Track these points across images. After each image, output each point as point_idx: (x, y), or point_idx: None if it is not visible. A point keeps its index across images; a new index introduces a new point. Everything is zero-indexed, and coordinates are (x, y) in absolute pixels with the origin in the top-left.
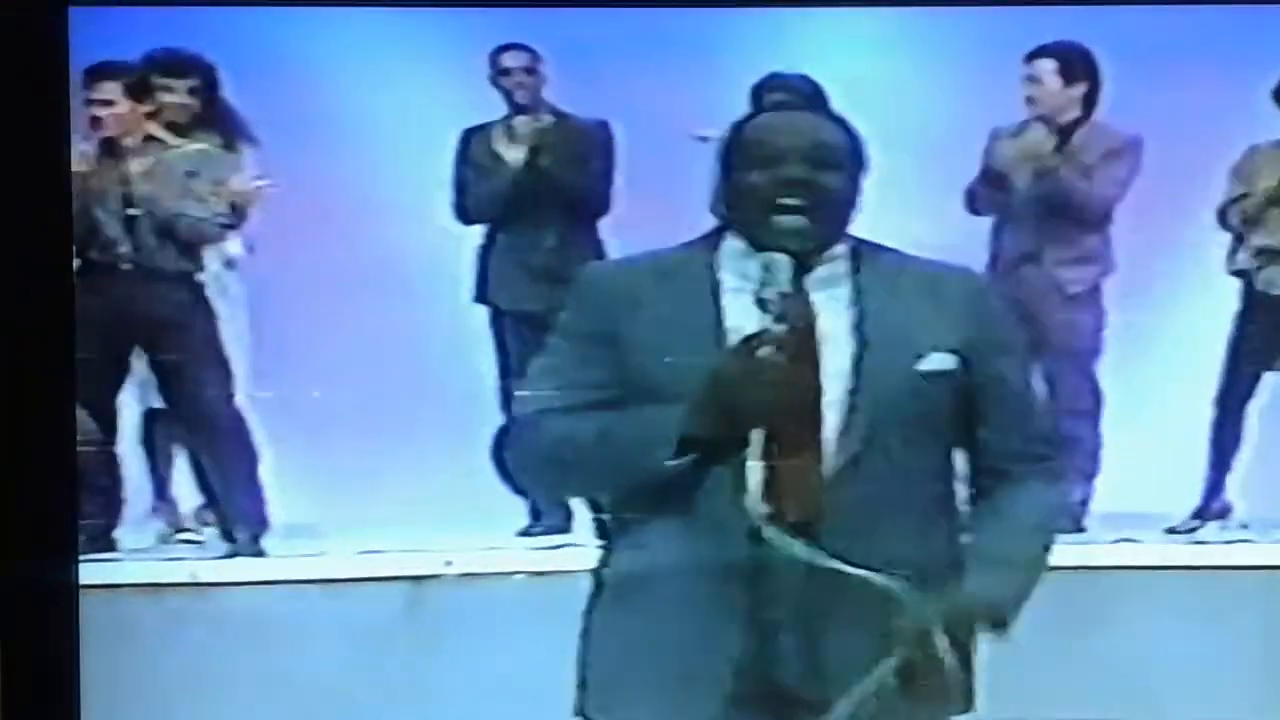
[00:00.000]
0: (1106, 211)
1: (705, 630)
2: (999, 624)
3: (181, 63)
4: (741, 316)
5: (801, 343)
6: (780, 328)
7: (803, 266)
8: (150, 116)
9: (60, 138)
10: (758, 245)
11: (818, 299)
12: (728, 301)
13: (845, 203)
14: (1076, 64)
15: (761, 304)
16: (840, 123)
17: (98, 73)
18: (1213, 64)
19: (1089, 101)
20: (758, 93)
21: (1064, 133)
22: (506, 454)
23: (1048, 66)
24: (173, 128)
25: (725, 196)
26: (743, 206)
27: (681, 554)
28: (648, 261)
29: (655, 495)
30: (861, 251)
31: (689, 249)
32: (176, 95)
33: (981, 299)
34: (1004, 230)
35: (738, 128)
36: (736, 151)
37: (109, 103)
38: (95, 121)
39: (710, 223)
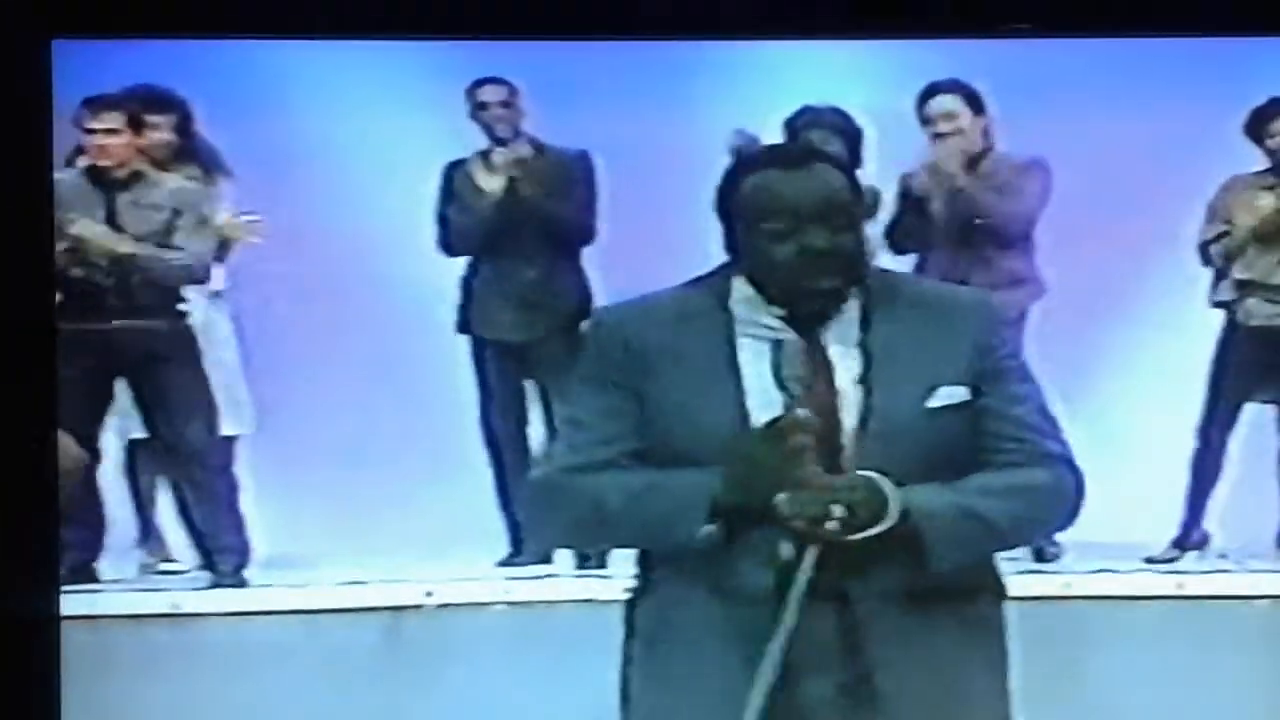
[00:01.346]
0: (1024, 229)
1: (740, 677)
2: (919, 550)
3: (163, 98)
4: (758, 375)
5: (825, 414)
6: (804, 414)
7: (816, 321)
8: (139, 150)
9: (43, 168)
10: (773, 301)
11: (832, 354)
12: (744, 358)
13: (861, 257)
14: (974, 96)
15: (783, 387)
16: (840, 169)
17: (98, 102)
18: (1188, 97)
19: (987, 133)
20: (791, 126)
21: (971, 163)
22: (533, 513)
23: (956, 103)
24: (154, 162)
25: (733, 248)
26: (762, 269)
27: (711, 605)
28: (661, 306)
29: (684, 560)
30: (872, 290)
31: (699, 290)
32: (161, 131)
33: (992, 325)
34: (926, 264)
35: (737, 180)
36: (743, 209)
37: (109, 132)
38: (90, 151)
39: (693, 252)
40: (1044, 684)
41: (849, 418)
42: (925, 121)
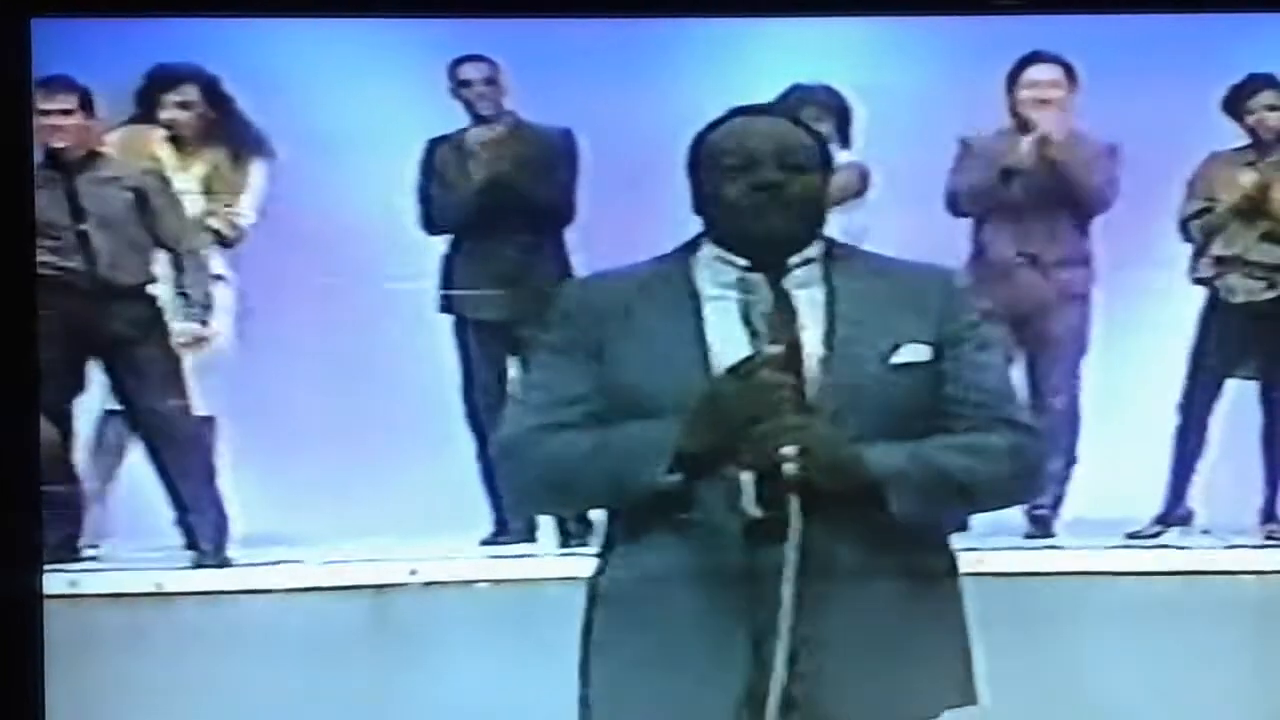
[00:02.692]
0: (1101, 209)
1: (706, 641)
2: (881, 497)
3: (187, 74)
4: (722, 326)
5: (790, 355)
6: (774, 349)
7: (779, 270)
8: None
9: (22, 149)
10: (736, 251)
11: (797, 299)
12: (708, 311)
13: (816, 205)
14: (1071, 70)
15: (749, 324)
16: (803, 126)
17: (52, 84)
18: (1168, 73)
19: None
20: (781, 103)
21: (1045, 143)
22: (500, 474)
23: (1055, 73)
24: (180, 142)
25: (698, 205)
26: (719, 213)
27: (678, 566)
28: (627, 276)
29: (650, 509)
30: (835, 252)
31: (666, 261)
32: (193, 110)
33: (956, 294)
34: (993, 231)
35: (703, 135)
36: (706, 159)
37: (64, 113)
38: (46, 132)
39: (677, 231)
40: (1027, 659)
41: (812, 370)
42: (1023, 86)
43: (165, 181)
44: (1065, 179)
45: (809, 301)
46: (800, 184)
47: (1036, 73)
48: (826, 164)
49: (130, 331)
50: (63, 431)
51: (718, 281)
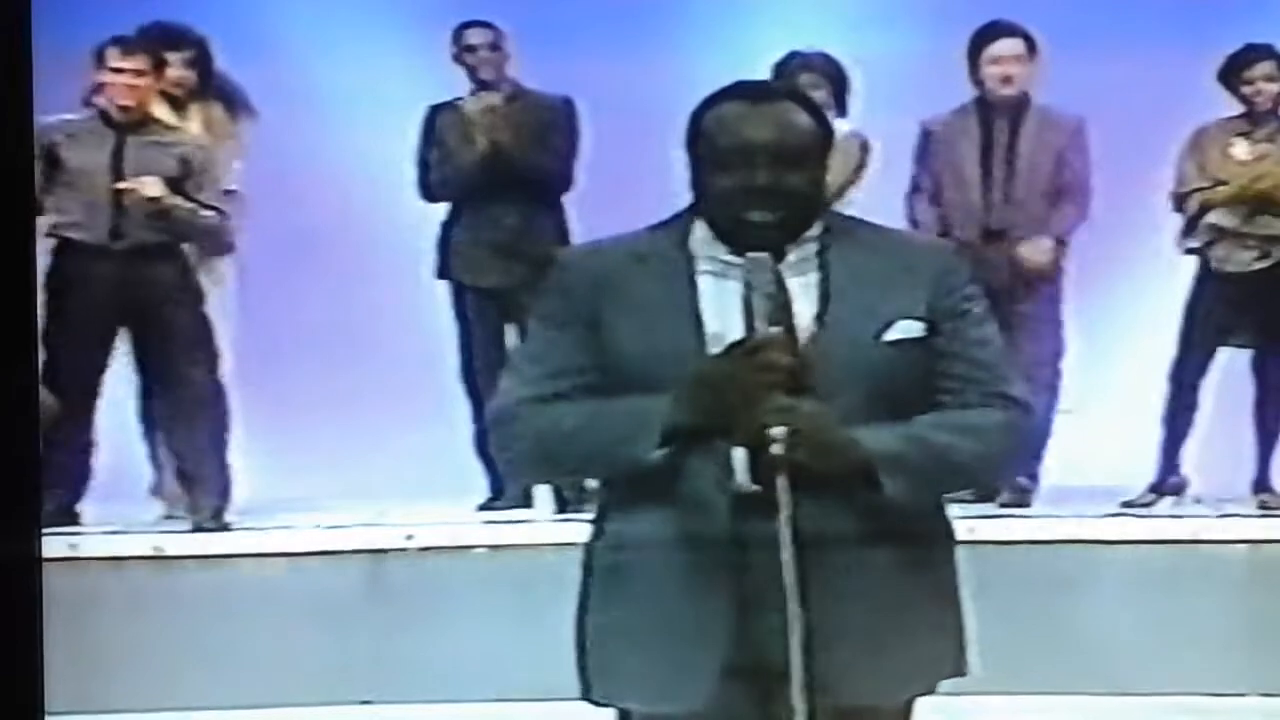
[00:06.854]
0: (1053, 180)
1: (695, 610)
2: (873, 480)
3: (178, 34)
4: (717, 300)
5: (785, 335)
6: (771, 331)
7: (776, 256)
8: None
9: (24, 115)
10: (728, 242)
11: (792, 285)
12: (703, 284)
13: (813, 196)
14: (1031, 40)
15: (749, 307)
16: (806, 105)
17: (126, 42)
18: (1161, 44)
19: (1032, 79)
20: (780, 70)
21: (1015, 117)
22: (492, 442)
23: (1017, 46)
24: (171, 100)
25: (694, 186)
26: (713, 204)
27: (667, 537)
28: (623, 246)
29: (641, 481)
30: (832, 229)
31: (661, 232)
32: (175, 69)
33: (951, 269)
34: (953, 210)
35: (701, 113)
36: (703, 144)
37: (135, 73)
38: (112, 90)
39: (675, 199)
40: (1022, 627)
41: (806, 349)
42: (987, 61)
43: (210, 156)
44: (1012, 154)
45: (804, 281)
46: (795, 180)
47: (1000, 47)
48: (826, 145)
49: (165, 293)
50: (86, 398)
51: (712, 257)
